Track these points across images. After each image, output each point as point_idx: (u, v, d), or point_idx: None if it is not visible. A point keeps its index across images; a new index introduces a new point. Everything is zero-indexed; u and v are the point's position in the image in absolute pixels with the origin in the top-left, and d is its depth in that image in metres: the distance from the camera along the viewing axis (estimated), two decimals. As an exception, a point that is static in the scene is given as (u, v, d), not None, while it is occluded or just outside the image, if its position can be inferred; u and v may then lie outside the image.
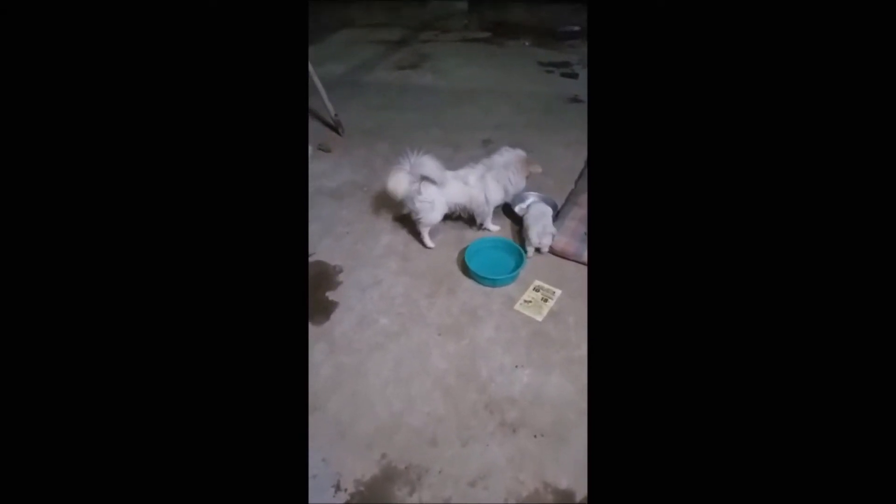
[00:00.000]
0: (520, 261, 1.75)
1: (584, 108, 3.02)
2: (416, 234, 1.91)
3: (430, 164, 1.73)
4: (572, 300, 1.66)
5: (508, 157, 1.84)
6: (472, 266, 1.73)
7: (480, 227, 1.96)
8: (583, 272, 1.76)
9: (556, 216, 1.93)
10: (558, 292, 1.68)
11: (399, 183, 1.76)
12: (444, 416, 1.32)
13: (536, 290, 1.69)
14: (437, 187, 1.76)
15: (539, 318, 1.59)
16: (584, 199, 2.01)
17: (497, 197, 1.86)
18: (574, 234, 1.82)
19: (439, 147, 2.54)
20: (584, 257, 1.76)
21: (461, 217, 1.97)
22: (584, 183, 2.14)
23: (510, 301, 1.66)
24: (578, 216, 1.90)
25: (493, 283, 1.71)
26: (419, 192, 1.74)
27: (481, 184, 1.82)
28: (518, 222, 1.96)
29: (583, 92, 3.19)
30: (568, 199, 2.07)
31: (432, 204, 1.77)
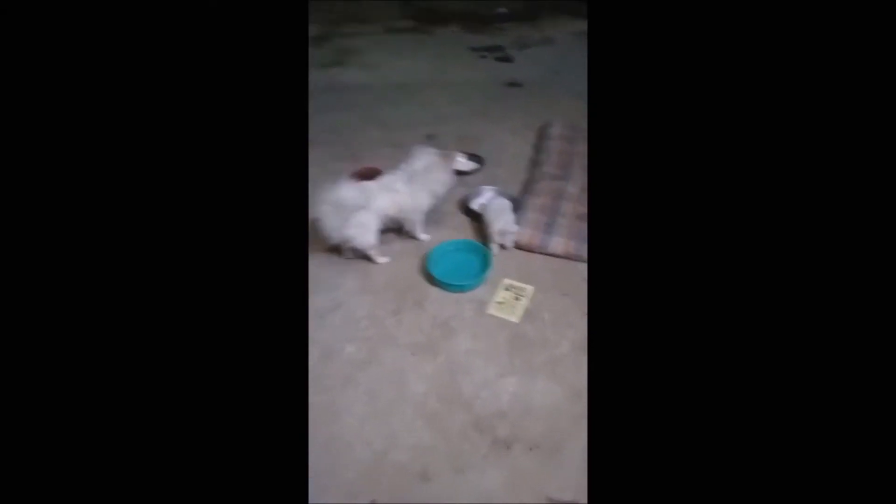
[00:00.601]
0: (486, 261, 1.66)
1: (523, 92, 2.97)
2: (365, 256, 1.73)
3: (350, 192, 1.59)
4: (545, 295, 1.59)
5: (428, 159, 1.70)
6: (436, 274, 1.61)
7: (409, 236, 1.82)
8: (551, 264, 1.70)
9: (516, 208, 1.85)
10: (530, 289, 1.61)
11: (332, 229, 1.60)
12: (431, 445, 1.20)
13: (507, 289, 1.61)
14: (366, 206, 1.61)
15: (515, 320, 1.51)
16: (541, 187, 1.95)
17: (426, 203, 1.74)
18: (537, 226, 1.75)
19: (381, 147, 2.39)
20: (551, 248, 1.70)
21: (392, 230, 1.82)
22: (540, 171, 2.08)
23: (482, 305, 1.57)
24: (539, 206, 1.84)
25: (462, 288, 1.61)
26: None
27: (409, 189, 1.68)
28: (477, 220, 1.86)
29: (519, 75, 3.13)
30: (526, 190, 2.00)
31: (365, 226, 1.61)
